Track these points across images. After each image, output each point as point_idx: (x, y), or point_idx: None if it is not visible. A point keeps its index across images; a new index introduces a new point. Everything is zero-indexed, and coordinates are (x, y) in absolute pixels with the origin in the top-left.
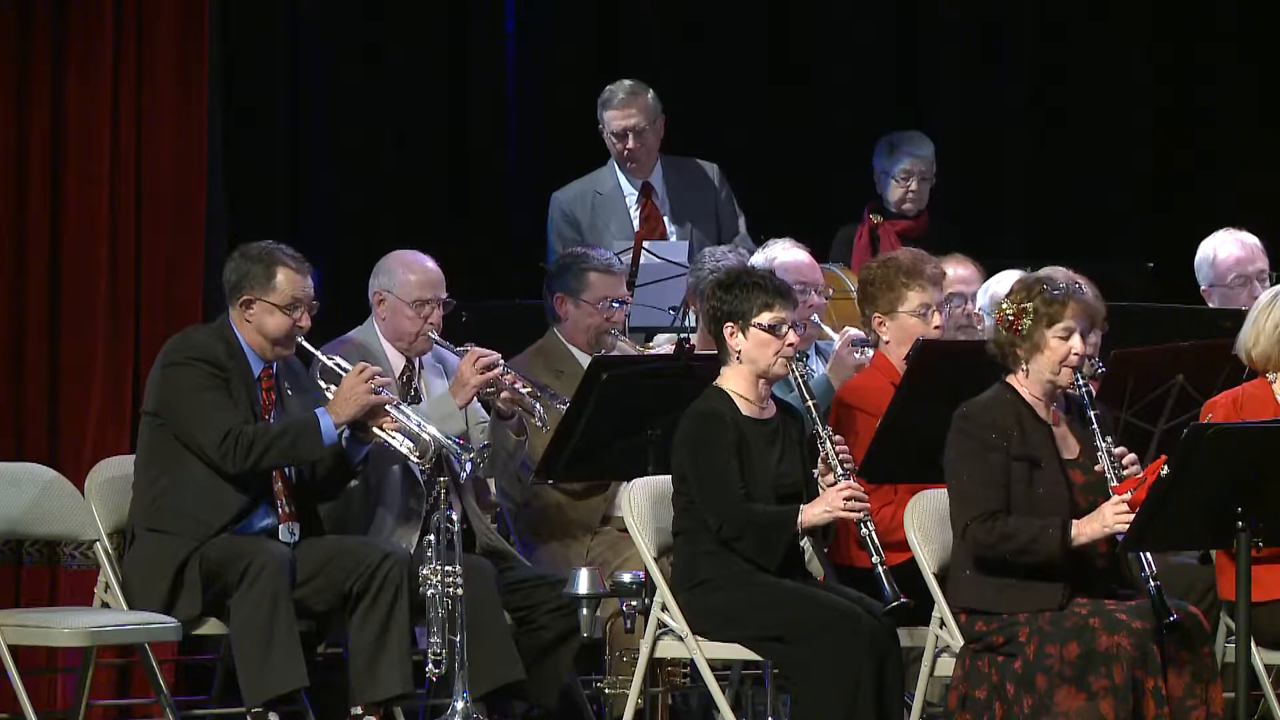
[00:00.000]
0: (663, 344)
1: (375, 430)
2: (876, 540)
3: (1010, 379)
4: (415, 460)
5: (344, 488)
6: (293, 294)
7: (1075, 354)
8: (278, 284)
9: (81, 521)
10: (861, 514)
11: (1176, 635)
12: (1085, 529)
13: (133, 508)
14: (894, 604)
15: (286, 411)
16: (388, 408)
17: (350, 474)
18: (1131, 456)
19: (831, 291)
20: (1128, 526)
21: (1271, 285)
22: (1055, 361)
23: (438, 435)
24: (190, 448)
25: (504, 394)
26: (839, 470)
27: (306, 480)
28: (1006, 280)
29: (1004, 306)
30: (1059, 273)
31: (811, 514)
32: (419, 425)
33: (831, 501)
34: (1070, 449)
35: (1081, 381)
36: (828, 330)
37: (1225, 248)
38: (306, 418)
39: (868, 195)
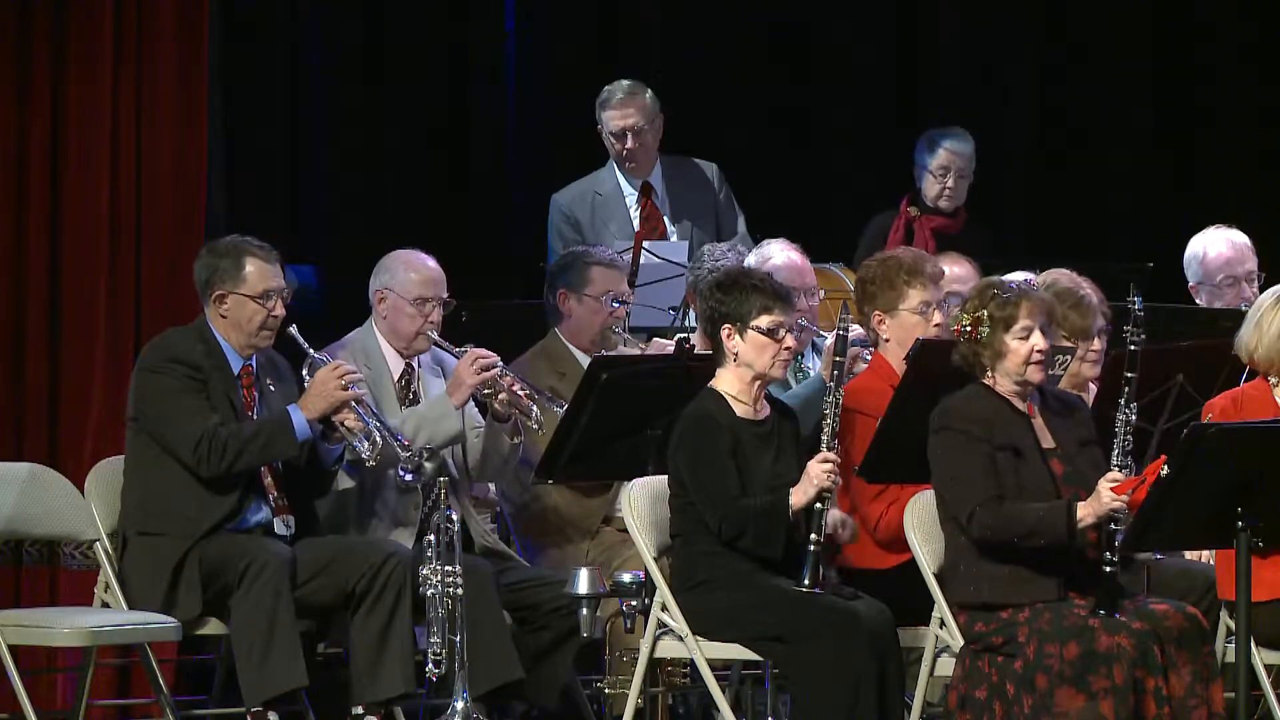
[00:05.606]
0: None
1: (336, 422)
2: (824, 522)
3: (984, 380)
4: (365, 457)
5: (331, 482)
6: (264, 284)
7: (1038, 350)
8: (247, 275)
9: (81, 521)
10: (833, 483)
11: (1115, 618)
12: (1085, 510)
13: (121, 513)
14: (803, 587)
15: (269, 408)
16: (353, 404)
17: (333, 471)
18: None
19: (823, 294)
20: (1123, 504)
21: (1259, 285)
22: (1020, 362)
23: (404, 445)
24: (168, 452)
25: (501, 396)
26: (826, 441)
27: (295, 474)
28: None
29: (960, 318)
30: (1053, 276)
31: (799, 494)
32: (379, 429)
33: (813, 475)
34: (1048, 439)
35: (1123, 346)
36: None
37: (1215, 246)
38: (279, 416)
39: (868, 194)
